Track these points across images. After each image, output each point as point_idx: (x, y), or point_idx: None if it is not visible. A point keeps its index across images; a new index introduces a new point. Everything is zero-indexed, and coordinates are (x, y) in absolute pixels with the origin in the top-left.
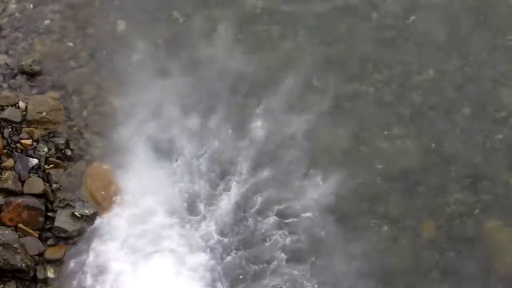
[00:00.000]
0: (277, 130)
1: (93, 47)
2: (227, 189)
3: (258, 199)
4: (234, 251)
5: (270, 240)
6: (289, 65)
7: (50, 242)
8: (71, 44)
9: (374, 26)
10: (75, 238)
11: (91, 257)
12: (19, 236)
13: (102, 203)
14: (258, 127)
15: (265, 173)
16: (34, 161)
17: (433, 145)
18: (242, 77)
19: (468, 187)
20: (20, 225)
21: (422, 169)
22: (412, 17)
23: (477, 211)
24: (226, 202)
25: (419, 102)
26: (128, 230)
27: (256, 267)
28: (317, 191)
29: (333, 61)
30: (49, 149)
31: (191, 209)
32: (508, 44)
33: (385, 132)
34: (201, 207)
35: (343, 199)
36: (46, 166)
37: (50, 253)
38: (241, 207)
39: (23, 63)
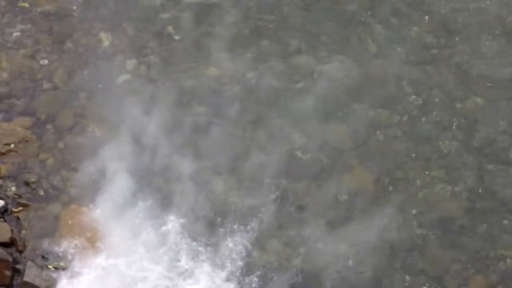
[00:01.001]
0: (286, 170)
1: (72, 65)
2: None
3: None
4: None
5: None
6: (305, 88)
7: None
8: (45, 61)
9: (411, 44)
10: None
11: None
12: None
13: (81, 252)
14: (256, 163)
15: (270, 225)
16: (0, 202)
17: (480, 189)
18: (246, 106)
19: None
20: None
21: (467, 215)
22: (457, 35)
23: None
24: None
25: (463, 135)
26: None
27: None
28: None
29: (358, 83)
30: (18, 188)
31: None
32: None
33: (426, 172)
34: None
35: (373, 252)
36: (14, 209)
37: None
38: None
39: None
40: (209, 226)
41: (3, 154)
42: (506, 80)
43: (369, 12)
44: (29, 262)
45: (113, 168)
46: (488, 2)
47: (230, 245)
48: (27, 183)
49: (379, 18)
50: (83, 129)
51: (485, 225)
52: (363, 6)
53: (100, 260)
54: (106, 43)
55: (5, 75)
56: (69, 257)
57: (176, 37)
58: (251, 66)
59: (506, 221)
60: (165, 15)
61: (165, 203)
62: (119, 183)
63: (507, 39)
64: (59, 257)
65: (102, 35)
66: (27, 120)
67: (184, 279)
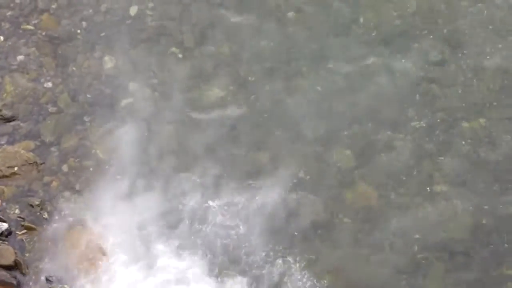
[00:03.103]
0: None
1: (75, 88)
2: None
3: None
4: None
5: None
6: (307, 111)
7: None
8: (49, 84)
9: (413, 64)
10: None
11: None
12: None
13: (86, 275)
14: (253, 196)
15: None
16: (4, 225)
17: (486, 206)
18: (250, 133)
19: None
20: None
21: (471, 237)
22: (459, 54)
23: None
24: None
25: (467, 154)
26: None
27: None
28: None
29: (362, 104)
30: (22, 211)
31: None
32: None
33: (428, 189)
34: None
35: (375, 274)
36: (18, 232)
37: None
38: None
39: None
40: None
41: (7, 176)
42: None
43: None
44: (33, 285)
45: (117, 190)
46: None
47: None
48: (31, 206)
49: None
50: (87, 152)
51: (488, 246)
52: None
53: (104, 283)
54: (109, 65)
55: (9, 98)
56: (73, 279)
57: (180, 56)
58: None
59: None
60: (169, 36)
61: (174, 231)
62: (123, 206)
63: None
64: (63, 280)
65: (106, 58)
66: (31, 143)
67: None
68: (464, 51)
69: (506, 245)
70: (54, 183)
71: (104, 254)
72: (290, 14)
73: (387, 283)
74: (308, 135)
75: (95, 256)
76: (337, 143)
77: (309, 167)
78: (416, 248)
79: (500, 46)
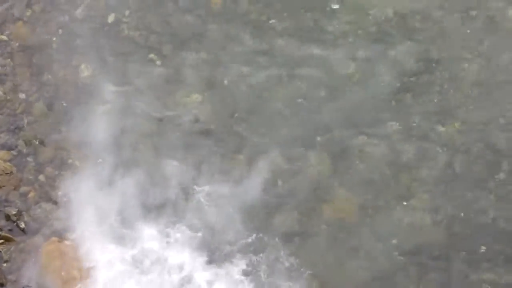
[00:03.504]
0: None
1: (51, 97)
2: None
3: None
4: None
5: None
6: (283, 116)
7: None
8: (23, 95)
9: (390, 69)
10: None
11: None
12: None
13: (62, 284)
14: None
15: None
16: None
17: (462, 214)
18: (229, 139)
19: (503, 264)
20: None
21: (447, 242)
22: (437, 58)
23: None
24: None
25: (444, 162)
26: None
27: None
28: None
29: (337, 109)
30: None
31: None
32: None
33: (404, 203)
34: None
35: (351, 279)
36: None
37: None
38: None
39: None
40: None
41: None
42: None
43: None
44: None
45: (95, 200)
46: None
47: None
48: (8, 216)
49: None
50: (64, 161)
51: (463, 252)
52: None
53: None
54: (85, 73)
55: None
56: None
57: (158, 62)
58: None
59: (483, 248)
60: (146, 42)
61: (150, 234)
62: (100, 215)
63: None
64: None
65: (82, 66)
66: (7, 154)
67: None
68: (439, 59)
69: (480, 251)
70: (31, 193)
71: (81, 264)
72: (263, 17)
73: None
74: (284, 140)
75: (72, 265)
76: (314, 148)
77: (285, 173)
78: (393, 253)
79: (475, 53)
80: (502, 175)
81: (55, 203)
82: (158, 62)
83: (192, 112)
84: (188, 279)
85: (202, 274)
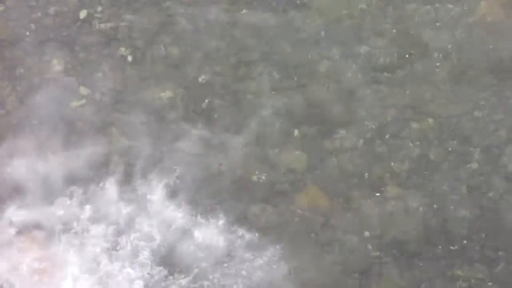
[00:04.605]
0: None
1: (23, 91)
2: None
3: None
4: None
5: None
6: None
7: None
8: None
9: (362, 65)
10: None
11: None
12: None
13: (38, 281)
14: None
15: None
16: None
17: (435, 206)
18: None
19: (479, 259)
20: None
21: (422, 236)
22: (410, 53)
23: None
24: None
25: (416, 155)
26: None
27: None
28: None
29: (312, 105)
30: None
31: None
32: None
33: (377, 194)
34: None
35: (327, 273)
36: None
37: None
38: None
39: None
40: None
41: None
42: None
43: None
44: None
45: (67, 195)
46: None
47: None
48: None
49: None
50: (36, 155)
51: (439, 246)
52: None
53: None
54: (58, 68)
55: None
56: (26, 286)
57: (129, 59)
58: None
59: (458, 243)
60: (118, 36)
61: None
62: (73, 211)
63: None
64: (15, 286)
65: (55, 61)
66: None
67: None
68: (412, 51)
69: (456, 246)
70: (2, 188)
71: (54, 259)
72: (241, 14)
73: (339, 283)
74: (259, 137)
75: (45, 261)
76: (288, 144)
77: (261, 169)
78: (368, 247)
79: (449, 46)
80: (474, 165)
81: (27, 197)
82: (130, 58)
83: (165, 108)
84: None
85: None
